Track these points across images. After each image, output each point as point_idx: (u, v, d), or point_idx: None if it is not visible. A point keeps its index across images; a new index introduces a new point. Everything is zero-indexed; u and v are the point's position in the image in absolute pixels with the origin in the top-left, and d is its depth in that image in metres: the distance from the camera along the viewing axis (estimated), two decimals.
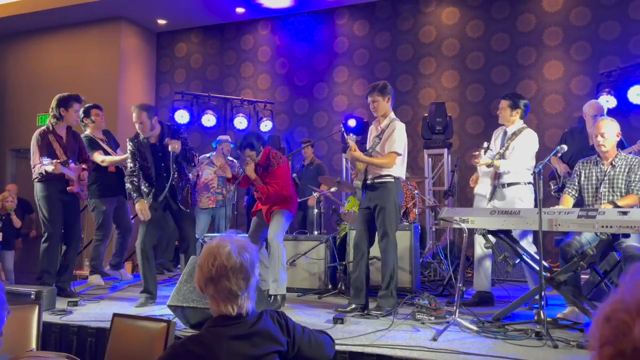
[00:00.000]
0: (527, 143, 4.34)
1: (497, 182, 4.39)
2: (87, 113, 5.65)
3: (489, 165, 4.31)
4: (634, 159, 3.83)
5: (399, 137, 4.18)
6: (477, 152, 4.37)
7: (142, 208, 4.43)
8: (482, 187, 4.56)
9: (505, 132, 4.51)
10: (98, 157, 5.45)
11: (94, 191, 5.52)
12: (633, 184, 3.75)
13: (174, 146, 4.42)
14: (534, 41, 7.21)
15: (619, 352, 0.66)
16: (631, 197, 3.72)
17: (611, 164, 3.85)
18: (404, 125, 4.28)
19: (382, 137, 4.24)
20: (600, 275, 3.97)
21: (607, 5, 6.85)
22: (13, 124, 9.34)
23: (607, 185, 3.85)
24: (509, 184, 4.34)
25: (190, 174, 5.25)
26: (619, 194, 3.81)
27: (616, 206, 3.57)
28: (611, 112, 6.11)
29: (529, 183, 4.36)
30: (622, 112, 6.21)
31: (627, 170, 3.80)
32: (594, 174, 3.94)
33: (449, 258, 5.37)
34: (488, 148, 4.39)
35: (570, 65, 7.01)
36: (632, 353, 0.65)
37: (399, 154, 4.16)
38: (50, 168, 4.52)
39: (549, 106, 7.05)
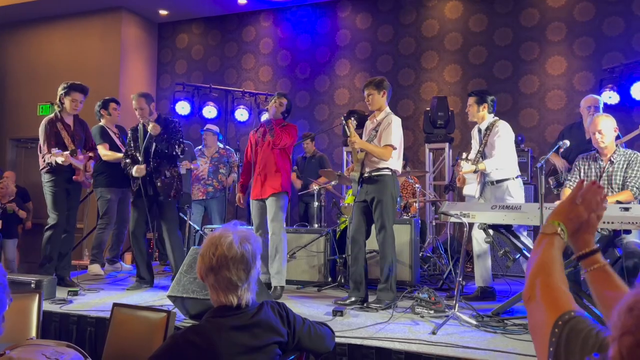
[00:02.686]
0: (502, 136, 4.34)
1: (485, 179, 4.39)
2: (105, 105, 5.83)
3: (475, 171, 4.34)
4: (632, 155, 3.83)
5: (395, 131, 4.21)
6: (458, 166, 4.42)
7: (137, 169, 4.78)
8: (470, 187, 4.55)
9: (479, 130, 4.55)
10: (102, 150, 5.59)
11: (101, 180, 5.64)
12: (629, 180, 3.76)
13: (154, 128, 4.72)
14: (537, 36, 7.17)
15: (639, 342, 0.66)
16: (625, 193, 3.72)
17: (610, 160, 3.85)
18: (399, 119, 4.32)
19: (378, 130, 4.27)
20: None
21: (610, 1, 6.82)
22: (13, 113, 9.31)
23: (605, 182, 3.86)
24: (498, 181, 4.36)
25: (182, 165, 5.55)
26: (617, 189, 3.82)
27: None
28: (614, 108, 6.11)
29: (517, 177, 4.38)
30: (625, 108, 6.20)
31: (625, 166, 3.81)
32: (593, 170, 3.94)
33: (449, 252, 5.38)
34: (467, 158, 4.43)
35: (573, 61, 6.98)
36: None
37: (394, 147, 4.18)
38: (60, 160, 4.61)
39: (551, 102, 7.03)
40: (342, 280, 5.09)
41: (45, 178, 4.81)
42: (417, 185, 5.99)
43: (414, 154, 7.62)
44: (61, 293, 4.32)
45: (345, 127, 4.37)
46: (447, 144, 6.82)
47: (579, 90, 6.85)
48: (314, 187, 5.93)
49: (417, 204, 5.95)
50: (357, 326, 3.44)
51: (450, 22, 7.67)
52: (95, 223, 5.99)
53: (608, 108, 6.11)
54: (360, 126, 4.73)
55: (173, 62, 9.41)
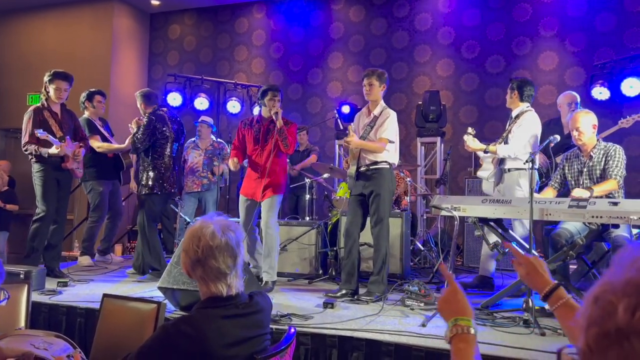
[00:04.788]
0: (525, 126, 4.26)
1: (499, 166, 4.41)
2: (90, 97, 5.73)
3: (485, 151, 4.32)
4: (611, 147, 3.88)
5: (391, 125, 4.22)
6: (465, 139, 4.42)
7: None
8: (485, 171, 4.58)
9: (510, 117, 4.51)
10: (95, 142, 5.54)
11: (91, 173, 5.57)
12: (610, 170, 3.80)
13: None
14: (530, 31, 7.19)
15: (604, 333, 0.65)
16: (609, 182, 3.76)
17: (590, 155, 3.90)
18: (395, 113, 4.32)
19: (373, 125, 4.26)
20: (589, 265, 4.01)
21: None
22: (3, 103, 9.22)
23: (587, 177, 3.92)
24: (509, 170, 4.34)
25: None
26: (596, 183, 3.87)
27: (592, 191, 3.63)
28: (604, 104, 6.15)
29: (531, 169, 4.35)
30: (615, 104, 6.24)
31: (603, 159, 3.85)
32: (575, 166, 4.01)
33: (439, 245, 5.40)
34: (473, 133, 4.41)
35: (565, 56, 7.01)
36: (616, 334, 0.64)
37: (391, 141, 4.18)
38: (55, 151, 4.58)
39: (542, 97, 7.06)
40: (333, 273, 5.11)
41: (35, 168, 4.74)
42: (408, 179, 6.01)
43: (406, 148, 7.63)
44: (51, 284, 4.29)
45: (341, 124, 4.37)
46: (438, 138, 6.83)
47: (570, 86, 6.88)
48: (298, 169, 5.95)
49: (408, 198, 5.97)
50: (347, 318, 3.45)
51: (443, 16, 7.67)
52: (86, 214, 5.96)
53: (598, 104, 6.16)
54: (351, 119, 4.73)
55: (165, 53, 9.34)
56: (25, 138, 4.67)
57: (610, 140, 4.77)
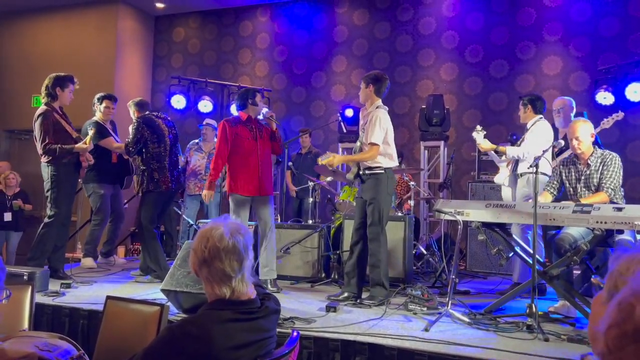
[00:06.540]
0: (536, 132, 4.53)
1: (514, 172, 4.64)
2: (100, 100, 5.76)
3: (495, 151, 4.54)
4: (608, 155, 3.88)
5: (377, 127, 4.14)
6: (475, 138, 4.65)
7: None
8: (500, 176, 4.81)
9: (526, 128, 4.75)
10: (113, 144, 5.58)
11: (92, 176, 5.56)
12: (603, 181, 3.80)
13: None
14: (534, 35, 7.19)
15: (623, 334, 0.67)
16: (599, 195, 3.76)
17: (587, 163, 3.91)
18: (385, 112, 4.23)
19: (365, 129, 4.28)
20: (593, 270, 3.99)
21: (607, 1, 6.84)
22: (7, 104, 9.25)
23: (584, 185, 3.92)
24: (522, 174, 4.58)
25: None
26: (594, 191, 3.87)
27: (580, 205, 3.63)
28: (608, 109, 6.14)
29: (543, 173, 4.41)
30: (620, 109, 6.20)
31: (600, 167, 3.86)
32: (573, 173, 4.03)
33: (442, 250, 5.40)
34: (481, 130, 4.66)
35: (569, 61, 7.00)
36: (634, 334, 0.66)
37: (374, 144, 4.12)
38: (84, 146, 4.69)
39: (546, 102, 7.04)
40: (336, 276, 5.10)
41: (51, 170, 4.68)
42: (411, 183, 6.00)
43: (409, 152, 7.63)
44: (54, 285, 4.29)
45: (341, 123, 4.39)
46: (442, 142, 6.83)
47: (574, 90, 6.87)
48: (311, 184, 5.94)
49: (411, 201, 5.96)
50: (350, 322, 3.45)
51: (447, 20, 7.67)
52: (89, 217, 5.96)
53: (602, 109, 6.15)
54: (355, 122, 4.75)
55: (169, 56, 9.37)
56: (44, 140, 4.60)
57: (614, 146, 4.79)
